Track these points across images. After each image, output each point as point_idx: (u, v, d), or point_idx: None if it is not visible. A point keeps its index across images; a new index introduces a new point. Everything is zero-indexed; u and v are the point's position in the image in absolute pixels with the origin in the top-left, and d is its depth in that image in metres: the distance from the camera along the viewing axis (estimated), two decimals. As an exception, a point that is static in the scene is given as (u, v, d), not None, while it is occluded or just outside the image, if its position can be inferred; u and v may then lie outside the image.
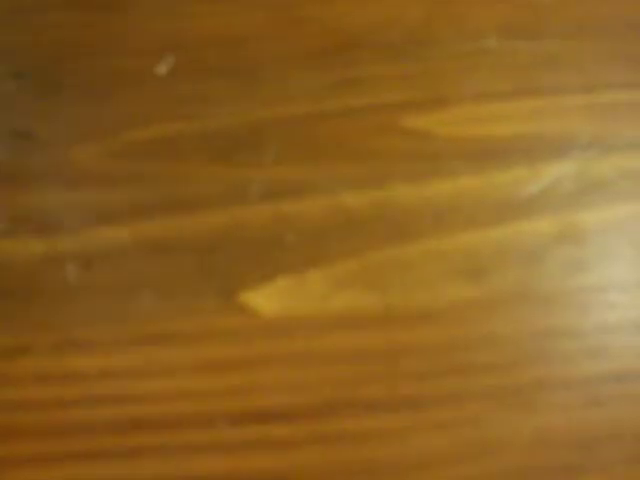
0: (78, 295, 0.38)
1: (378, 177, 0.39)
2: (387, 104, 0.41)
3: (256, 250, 0.38)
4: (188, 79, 0.41)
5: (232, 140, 0.40)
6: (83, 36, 0.42)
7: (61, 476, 0.35)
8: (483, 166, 0.39)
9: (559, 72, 0.41)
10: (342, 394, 0.36)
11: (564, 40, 0.41)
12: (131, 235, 0.38)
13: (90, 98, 0.41)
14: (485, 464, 0.35)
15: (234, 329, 0.37)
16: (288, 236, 0.38)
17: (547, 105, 0.40)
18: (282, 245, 0.38)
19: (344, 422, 0.35)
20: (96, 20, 0.42)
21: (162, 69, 0.41)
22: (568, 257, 0.37)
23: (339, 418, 0.35)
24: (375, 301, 0.37)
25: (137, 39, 0.42)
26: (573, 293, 0.37)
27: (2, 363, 0.36)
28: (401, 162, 0.39)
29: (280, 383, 0.36)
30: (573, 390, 0.36)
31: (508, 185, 0.39)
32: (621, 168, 0.39)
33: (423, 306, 0.37)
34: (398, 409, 0.35)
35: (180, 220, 0.39)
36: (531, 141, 0.40)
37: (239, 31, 0.42)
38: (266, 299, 0.37)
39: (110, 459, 0.35)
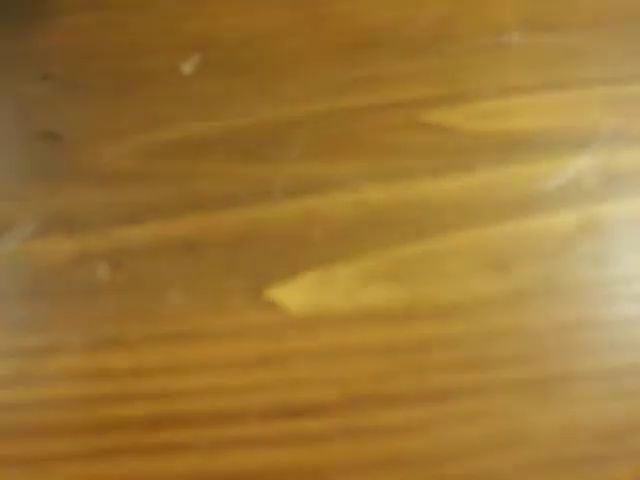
0: (108, 293, 0.38)
1: (401, 172, 0.39)
2: (409, 99, 0.41)
3: (283, 247, 0.38)
4: (213, 78, 0.42)
5: (256, 138, 0.40)
6: (109, 36, 0.42)
7: (96, 472, 0.36)
8: (505, 160, 0.39)
9: (581, 65, 0.41)
10: (371, 387, 0.36)
11: (585, 33, 0.41)
12: (159, 234, 0.39)
13: (117, 98, 0.41)
14: (513, 456, 0.35)
15: (262, 325, 0.37)
16: (314, 232, 0.39)
17: (569, 98, 0.40)
18: (308, 241, 0.39)
19: (373, 415, 0.36)
20: (122, 20, 0.43)
21: (187, 68, 0.42)
22: (591, 250, 0.37)
23: (368, 411, 0.36)
24: (402, 295, 0.37)
25: (162, 39, 0.42)
26: (596, 285, 0.37)
27: (34, 362, 0.37)
28: (424, 157, 0.40)
29: (309, 378, 0.36)
30: (598, 382, 0.36)
31: (531, 179, 0.39)
32: (643, 161, 0.39)
33: (449, 299, 0.37)
34: (426, 402, 0.36)
35: (207, 218, 0.39)
36: (553, 135, 0.40)
37: (262, 29, 0.42)
38: (293, 295, 0.38)
39: (142, 455, 0.36)
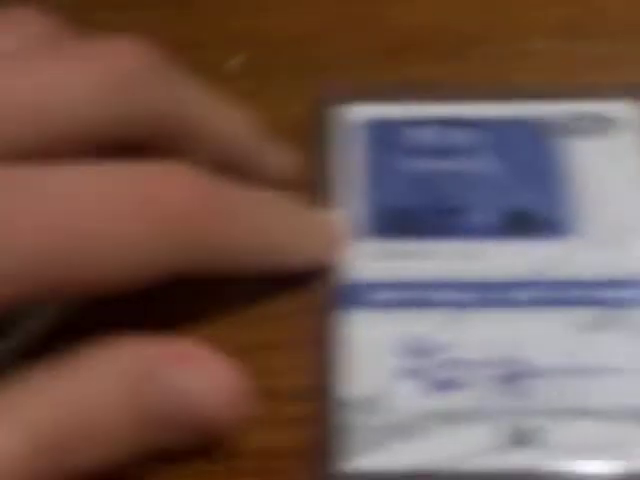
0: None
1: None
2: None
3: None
4: (258, 76, 0.41)
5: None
6: (158, 31, 0.41)
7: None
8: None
9: (611, 73, 0.42)
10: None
11: (613, 42, 0.43)
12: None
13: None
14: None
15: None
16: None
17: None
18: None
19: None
20: (169, 15, 0.42)
21: (232, 65, 0.41)
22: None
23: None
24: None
25: (209, 34, 0.42)
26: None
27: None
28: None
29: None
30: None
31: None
32: None
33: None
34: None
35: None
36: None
37: (310, 28, 0.43)
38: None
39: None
